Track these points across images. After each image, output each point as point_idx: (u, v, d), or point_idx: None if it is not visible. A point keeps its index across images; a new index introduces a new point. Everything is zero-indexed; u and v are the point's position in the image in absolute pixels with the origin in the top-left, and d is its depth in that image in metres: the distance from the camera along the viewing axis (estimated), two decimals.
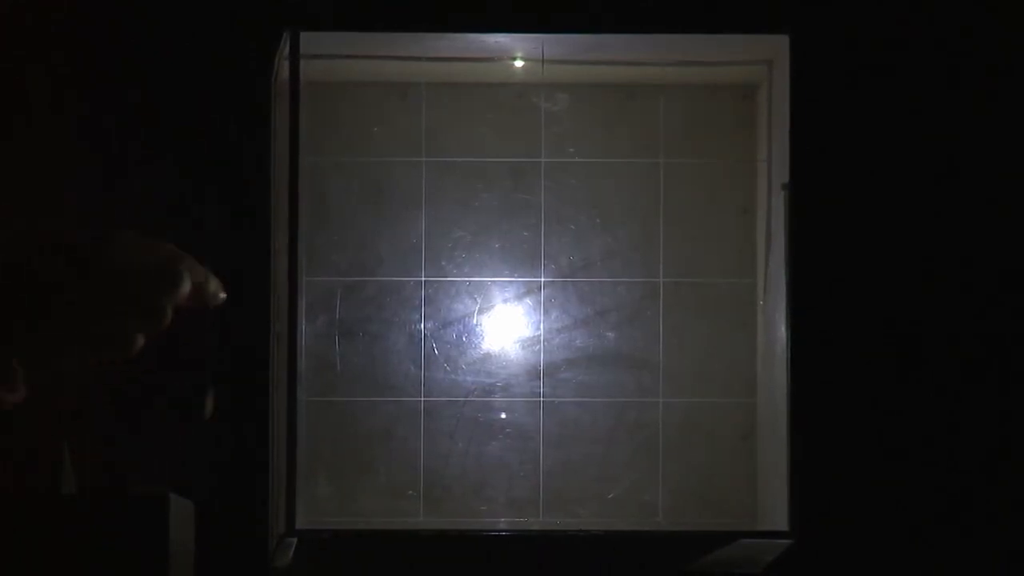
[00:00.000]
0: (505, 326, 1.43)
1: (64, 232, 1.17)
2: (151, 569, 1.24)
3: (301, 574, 1.40)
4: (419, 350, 1.43)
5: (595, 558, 1.41)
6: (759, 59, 1.44)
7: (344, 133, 1.45)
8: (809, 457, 1.37)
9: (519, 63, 1.44)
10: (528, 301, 1.44)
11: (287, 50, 1.35)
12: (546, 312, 1.44)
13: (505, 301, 1.44)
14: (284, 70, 1.36)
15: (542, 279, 1.44)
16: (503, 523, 1.42)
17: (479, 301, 1.44)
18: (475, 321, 1.43)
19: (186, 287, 1.15)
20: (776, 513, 1.38)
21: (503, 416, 1.43)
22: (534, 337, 1.43)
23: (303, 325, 1.37)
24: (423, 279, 1.44)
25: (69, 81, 1.46)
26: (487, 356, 1.43)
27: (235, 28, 1.43)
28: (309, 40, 1.36)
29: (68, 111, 1.46)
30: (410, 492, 1.43)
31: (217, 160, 1.47)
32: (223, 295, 1.19)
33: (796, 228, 1.37)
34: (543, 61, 1.43)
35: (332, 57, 1.43)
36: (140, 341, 1.14)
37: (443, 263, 1.44)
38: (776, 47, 1.41)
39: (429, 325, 1.43)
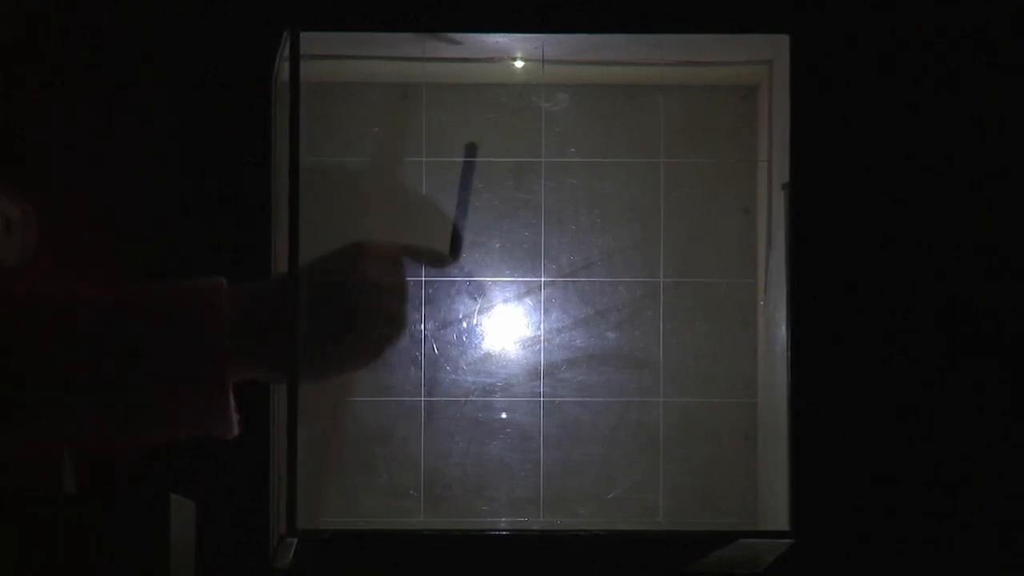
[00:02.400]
0: (505, 326, 1.43)
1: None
2: (151, 569, 1.24)
3: (301, 574, 1.40)
4: (419, 350, 1.43)
5: (595, 558, 1.41)
6: (759, 59, 1.44)
7: (344, 133, 1.45)
8: (810, 457, 1.37)
9: (519, 63, 1.44)
10: (528, 301, 1.44)
11: (287, 50, 1.35)
12: (546, 312, 1.44)
13: (505, 301, 1.44)
14: (284, 70, 1.36)
15: (542, 279, 1.44)
16: (503, 523, 1.42)
17: (479, 301, 1.43)
18: (475, 321, 1.43)
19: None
20: (777, 513, 1.38)
21: (503, 416, 1.43)
22: (534, 337, 1.43)
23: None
24: (423, 279, 1.44)
25: (68, 81, 1.46)
26: (487, 356, 1.43)
27: (235, 28, 1.43)
28: (309, 40, 1.36)
29: (67, 111, 1.46)
30: (411, 492, 1.43)
31: (217, 160, 1.47)
32: None
33: (796, 228, 1.37)
34: (543, 61, 1.43)
35: (332, 57, 1.43)
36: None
37: None
38: (776, 47, 1.41)
39: (429, 325, 1.43)
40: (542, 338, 1.43)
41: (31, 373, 1.26)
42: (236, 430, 1.30)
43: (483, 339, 1.43)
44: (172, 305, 1.29)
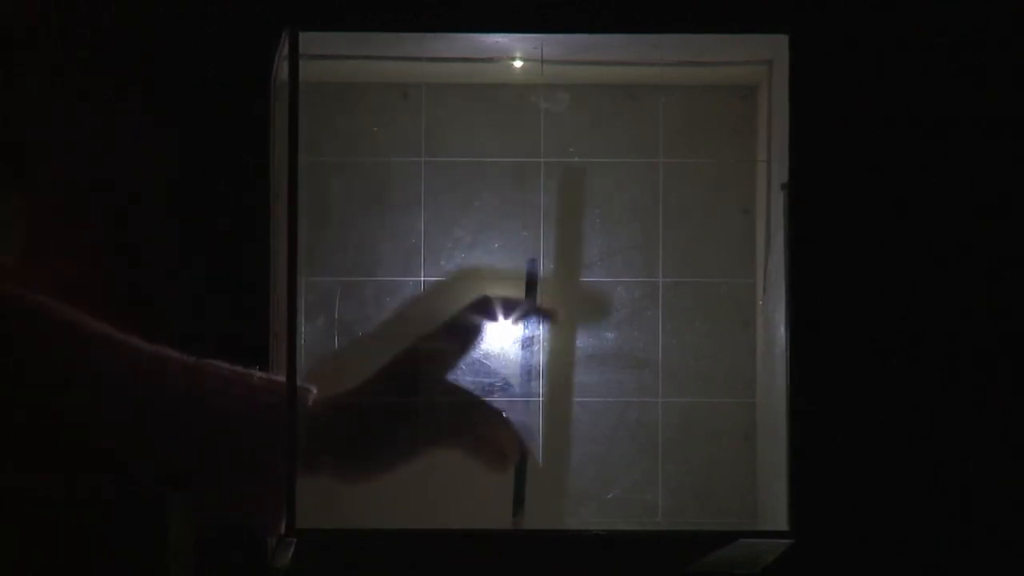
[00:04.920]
0: (505, 326, 1.43)
1: None
2: (151, 569, 1.24)
3: (301, 574, 1.40)
4: None
5: (595, 558, 1.41)
6: (759, 59, 1.44)
7: (344, 133, 1.45)
8: (809, 457, 1.37)
9: (519, 63, 1.44)
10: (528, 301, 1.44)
11: (287, 50, 1.35)
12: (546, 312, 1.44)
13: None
14: (284, 70, 1.36)
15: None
16: (502, 523, 1.42)
17: None
18: None
19: None
20: (776, 513, 1.38)
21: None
22: (534, 337, 1.43)
23: (303, 325, 1.37)
24: (423, 279, 1.44)
25: (67, 80, 1.46)
26: (487, 356, 1.43)
27: (235, 28, 1.43)
28: (309, 40, 1.36)
29: (67, 111, 1.46)
30: (410, 492, 1.43)
31: (216, 160, 1.47)
32: None
33: (796, 228, 1.37)
34: (543, 61, 1.43)
35: (332, 57, 1.43)
36: None
37: (443, 263, 1.44)
38: (776, 47, 1.41)
39: None
40: (541, 338, 1.43)
41: (103, 425, 1.27)
42: (284, 530, 1.32)
43: (483, 339, 1.43)
44: (254, 396, 1.31)
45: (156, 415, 1.29)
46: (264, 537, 1.36)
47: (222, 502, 1.32)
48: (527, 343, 1.42)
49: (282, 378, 1.32)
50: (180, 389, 1.31)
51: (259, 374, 1.36)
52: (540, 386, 1.43)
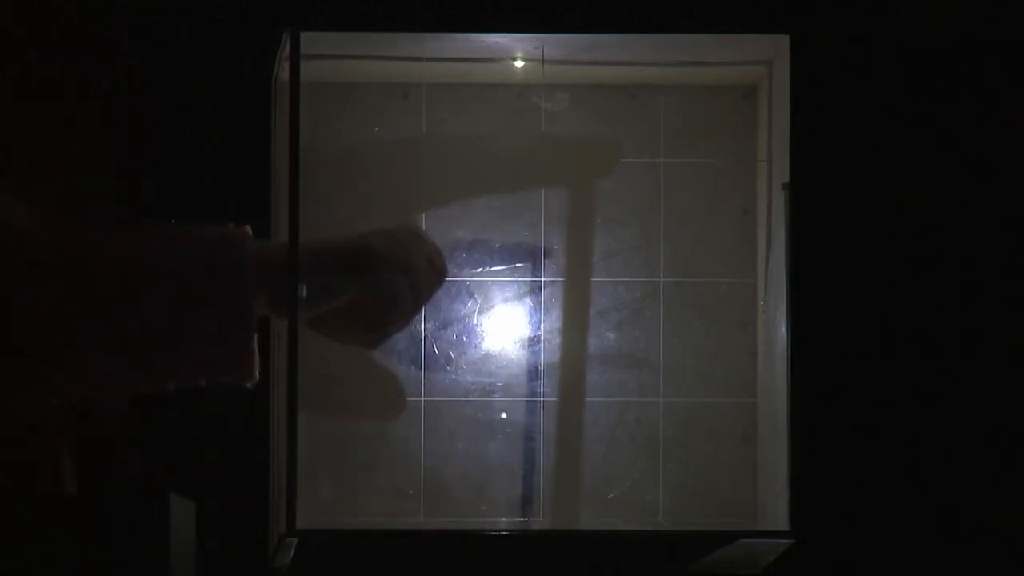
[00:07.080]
0: (505, 326, 1.43)
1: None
2: (151, 569, 1.24)
3: (301, 574, 1.40)
4: (419, 350, 1.43)
5: (595, 558, 1.41)
6: (759, 59, 1.44)
7: (344, 133, 1.46)
8: (809, 457, 1.37)
9: (519, 63, 1.44)
10: (528, 301, 1.44)
11: (287, 50, 1.35)
12: (546, 312, 1.44)
13: (505, 301, 1.44)
14: (284, 70, 1.36)
15: (543, 279, 1.44)
16: (503, 523, 1.42)
17: (479, 301, 1.44)
18: (475, 321, 1.43)
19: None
20: (776, 513, 1.38)
21: (503, 416, 1.43)
22: (534, 337, 1.43)
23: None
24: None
25: (68, 80, 1.46)
26: (487, 356, 1.43)
27: (235, 28, 1.43)
28: (309, 40, 1.36)
29: (68, 110, 1.46)
30: (410, 492, 1.43)
31: (217, 160, 1.47)
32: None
33: (796, 228, 1.37)
34: (543, 61, 1.43)
35: (332, 57, 1.43)
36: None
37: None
38: (776, 47, 1.41)
39: (429, 325, 1.43)
40: (542, 338, 1.43)
41: (45, 318, 1.26)
42: (256, 374, 1.31)
43: (483, 339, 1.43)
44: (199, 246, 1.30)
45: (98, 289, 1.29)
46: (240, 384, 1.33)
47: (187, 360, 1.31)
48: (532, 343, 1.42)
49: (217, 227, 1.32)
50: (117, 264, 1.30)
51: (199, 230, 1.35)
52: (542, 387, 1.43)
